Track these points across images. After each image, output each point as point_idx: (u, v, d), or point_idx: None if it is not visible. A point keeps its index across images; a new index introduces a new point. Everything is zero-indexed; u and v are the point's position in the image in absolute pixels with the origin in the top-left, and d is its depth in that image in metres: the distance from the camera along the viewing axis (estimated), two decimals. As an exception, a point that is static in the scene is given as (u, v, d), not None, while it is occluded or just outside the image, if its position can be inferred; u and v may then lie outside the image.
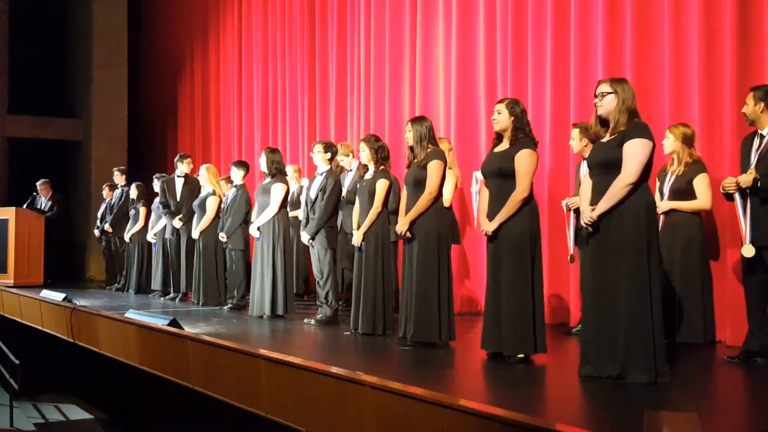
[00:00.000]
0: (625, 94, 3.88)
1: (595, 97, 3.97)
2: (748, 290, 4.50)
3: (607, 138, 3.94)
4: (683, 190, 5.00)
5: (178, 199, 8.47)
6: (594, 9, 6.08)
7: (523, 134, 4.46)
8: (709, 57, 5.27)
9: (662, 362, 3.71)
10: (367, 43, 8.49)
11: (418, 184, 4.99)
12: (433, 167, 4.95)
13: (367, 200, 5.59)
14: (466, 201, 7.21)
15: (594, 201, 3.89)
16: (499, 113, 4.50)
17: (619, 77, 4.19)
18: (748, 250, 4.40)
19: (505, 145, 4.50)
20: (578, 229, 4.38)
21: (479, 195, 4.99)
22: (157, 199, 8.90)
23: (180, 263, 8.42)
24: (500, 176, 4.42)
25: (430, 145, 5.06)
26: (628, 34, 5.80)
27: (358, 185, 5.85)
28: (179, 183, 8.54)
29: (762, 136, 4.44)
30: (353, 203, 6.12)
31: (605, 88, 3.93)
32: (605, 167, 3.86)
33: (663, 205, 5.02)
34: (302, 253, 8.26)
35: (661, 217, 5.01)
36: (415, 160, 5.05)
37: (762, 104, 4.42)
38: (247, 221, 7.41)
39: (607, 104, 3.91)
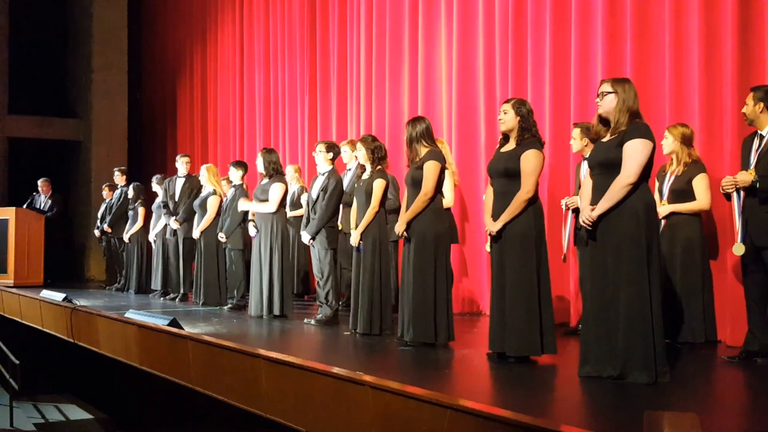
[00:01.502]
0: (626, 95, 3.87)
1: (597, 96, 3.98)
2: (748, 290, 4.50)
3: (607, 138, 3.94)
4: (682, 190, 5.00)
5: (177, 199, 8.48)
6: (594, 9, 6.08)
7: (529, 134, 4.45)
8: (709, 57, 5.27)
9: (662, 362, 3.71)
10: (368, 43, 8.49)
11: (416, 185, 4.99)
12: (429, 167, 4.95)
13: (364, 200, 5.59)
14: (465, 200, 7.21)
15: (594, 201, 3.89)
16: (505, 113, 4.49)
17: (621, 77, 4.20)
18: (739, 249, 4.42)
19: (511, 145, 4.50)
20: (577, 228, 4.38)
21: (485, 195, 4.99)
22: (157, 200, 8.92)
23: (179, 263, 8.43)
24: (506, 176, 4.41)
25: (427, 146, 5.07)
26: (628, 34, 5.80)
27: (356, 185, 5.85)
28: (179, 183, 8.55)
29: (762, 137, 4.44)
30: (350, 205, 6.12)
31: (606, 87, 3.94)
32: (605, 167, 3.87)
33: (663, 210, 5.01)
34: (302, 252, 8.26)
35: (663, 221, 5.02)
36: (413, 161, 5.06)
37: (762, 104, 4.42)
38: (245, 221, 7.41)
39: (607, 104, 3.92)
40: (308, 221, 6.32)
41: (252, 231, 6.76)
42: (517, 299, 4.31)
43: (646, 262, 3.73)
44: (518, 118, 4.45)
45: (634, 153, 3.77)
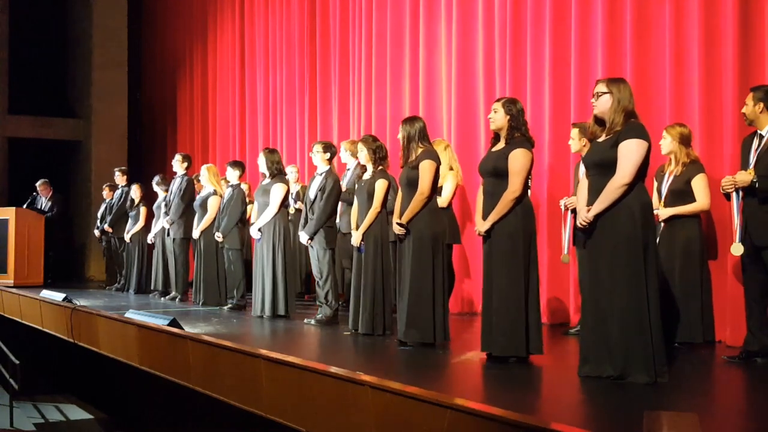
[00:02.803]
0: (621, 95, 3.87)
1: (593, 96, 3.98)
2: (748, 290, 4.50)
3: (603, 138, 3.94)
4: (681, 191, 4.99)
5: (172, 198, 8.50)
6: (594, 9, 6.08)
7: (519, 133, 4.43)
8: (709, 57, 5.27)
9: (661, 362, 3.71)
10: (369, 42, 8.49)
11: (411, 185, 4.99)
12: (425, 167, 4.94)
13: (365, 200, 5.59)
14: (467, 200, 7.21)
15: (590, 201, 3.89)
16: (495, 112, 4.49)
17: (617, 77, 4.20)
18: (737, 249, 4.42)
19: (501, 144, 4.50)
20: (576, 228, 4.39)
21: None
22: (158, 200, 8.93)
23: (176, 263, 8.43)
24: (494, 175, 4.40)
25: (422, 145, 5.06)
26: (628, 34, 5.80)
27: (357, 185, 5.84)
28: (175, 182, 8.57)
29: (761, 137, 4.44)
30: (351, 203, 6.12)
31: (601, 88, 3.94)
32: (601, 167, 3.87)
33: (663, 213, 5.01)
34: (303, 252, 8.26)
35: (662, 223, 5.03)
36: (408, 161, 5.06)
37: (761, 104, 4.42)
38: (243, 221, 7.41)
39: (602, 104, 3.92)
40: (306, 221, 6.32)
41: (256, 234, 6.75)
42: (503, 299, 4.30)
43: (643, 262, 3.73)
44: (508, 117, 4.44)
45: (629, 153, 3.77)
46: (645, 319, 3.69)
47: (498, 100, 4.56)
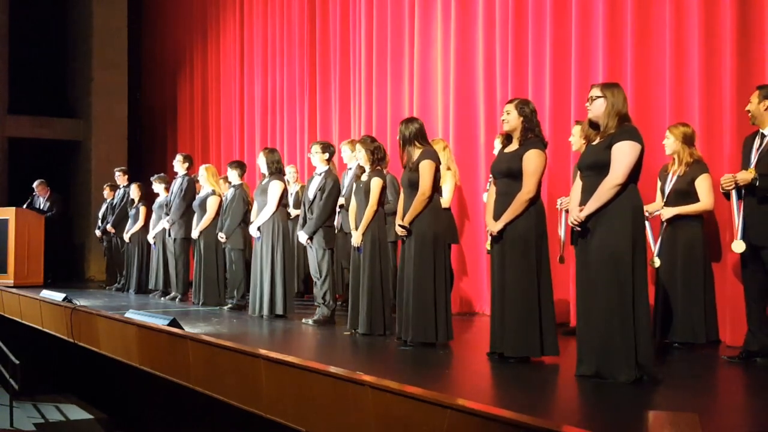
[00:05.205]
0: (614, 99, 3.91)
1: (587, 101, 4.01)
2: (747, 290, 4.50)
3: (597, 141, 3.98)
4: (685, 191, 4.99)
5: (172, 198, 8.51)
6: (594, 9, 6.08)
7: (532, 134, 4.45)
8: (709, 57, 5.27)
9: (647, 361, 3.72)
10: (369, 42, 8.49)
11: (412, 186, 4.99)
12: (425, 167, 4.95)
13: (364, 200, 5.60)
14: (465, 200, 7.21)
15: (583, 202, 3.93)
16: (508, 113, 4.50)
17: (610, 82, 4.25)
18: (739, 246, 4.42)
19: (514, 145, 4.51)
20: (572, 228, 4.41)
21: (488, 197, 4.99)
22: (158, 199, 8.93)
23: (176, 263, 8.44)
24: (508, 176, 4.42)
25: (421, 146, 5.06)
26: (628, 34, 5.80)
27: (355, 186, 5.85)
28: (176, 183, 8.57)
29: (763, 136, 4.44)
30: (346, 209, 6.12)
31: (595, 92, 3.99)
32: (594, 169, 3.90)
33: (666, 213, 5.01)
34: (302, 252, 8.26)
35: (665, 223, 5.03)
36: (408, 162, 5.06)
37: (766, 102, 4.42)
38: (245, 221, 7.41)
39: (596, 108, 3.96)
40: (305, 221, 6.32)
41: (255, 234, 6.75)
42: (516, 300, 4.31)
43: (631, 263, 3.76)
44: (521, 118, 4.45)
45: (622, 155, 3.81)
46: (629, 318, 3.71)
47: (510, 102, 4.57)
